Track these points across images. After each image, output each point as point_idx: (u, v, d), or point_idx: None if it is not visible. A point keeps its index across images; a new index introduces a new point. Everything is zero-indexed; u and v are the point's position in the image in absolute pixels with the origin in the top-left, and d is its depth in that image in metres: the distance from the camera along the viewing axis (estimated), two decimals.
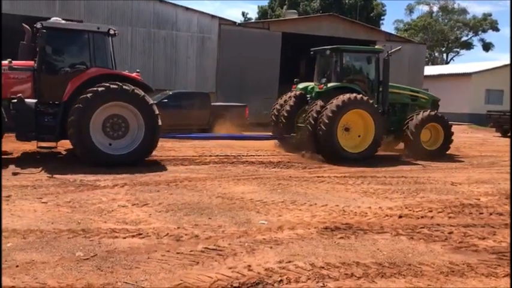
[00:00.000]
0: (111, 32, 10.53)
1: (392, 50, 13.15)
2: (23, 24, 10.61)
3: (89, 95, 9.47)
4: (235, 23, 24.98)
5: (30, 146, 10.89)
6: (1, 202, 5.64)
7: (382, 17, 53.74)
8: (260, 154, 12.79)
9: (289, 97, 13.80)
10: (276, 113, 13.95)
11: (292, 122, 13.39)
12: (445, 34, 63.58)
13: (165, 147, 13.37)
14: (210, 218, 6.11)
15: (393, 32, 56.25)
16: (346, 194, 8.02)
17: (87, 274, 4.09)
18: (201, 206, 6.76)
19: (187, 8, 23.16)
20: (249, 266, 4.43)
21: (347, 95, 11.71)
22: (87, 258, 4.45)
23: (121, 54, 21.37)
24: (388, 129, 13.04)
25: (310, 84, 13.47)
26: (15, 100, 9.66)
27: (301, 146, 12.41)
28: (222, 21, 23.76)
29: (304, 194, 7.80)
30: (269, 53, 23.95)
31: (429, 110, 13.33)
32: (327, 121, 11.55)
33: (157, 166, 10.19)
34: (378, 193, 8.13)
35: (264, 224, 5.94)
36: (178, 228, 5.60)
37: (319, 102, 12.06)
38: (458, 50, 67.57)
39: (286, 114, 13.45)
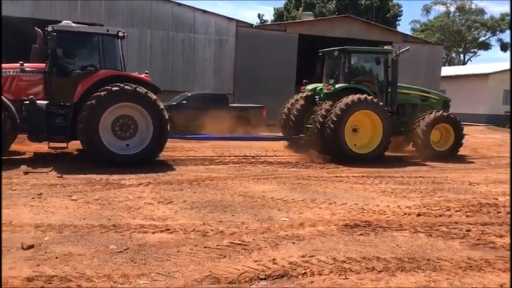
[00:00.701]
0: (120, 34, 10.70)
1: (400, 50, 13.18)
2: (35, 28, 10.85)
3: (100, 95, 9.65)
4: (252, 25, 25.28)
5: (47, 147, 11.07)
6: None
7: (398, 18, 53.53)
8: (278, 154, 12.98)
9: (298, 98, 13.89)
10: (286, 114, 14.04)
11: (301, 123, 13.47)
12: (462, 34, 63.06)
13: (185, 148, 13.68)
14: (233, 215, 6.34)
15: (410, 32, 56.07)
16: (365, 193, 8.18)
17: (122, 265, 4.34)
18: (224, 203, 6.99)
19: (205, 11, 23.53)
20: (274, 259, 4.63)
21: (354, 96, 11.77)
22: (121, 251, 4.71)
23: (140, 56, 21.84)
24: (397, 130, 13.01)
25: (319, 85, 13.50)
26: (27, 102, 9.89)
27: (309, 146, 12.49)
28: (239, 23, 24.07)
29: (323, 193, 7.99)
30: (286, 55, 24.18)
31: (440, 111, 13.23)
32: (334, 121, 11.62)
33: (179, 166, 10.45)
34: (396, 192, 8.27)
35: (285, 221, 6.14)
36: (203, 224, 5.83)
37: (327, 103, 12.15)
38: (475, 50, 67.05)
39: (295, 115, 13.54)
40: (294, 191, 8.13)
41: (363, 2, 48.23)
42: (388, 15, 49.89)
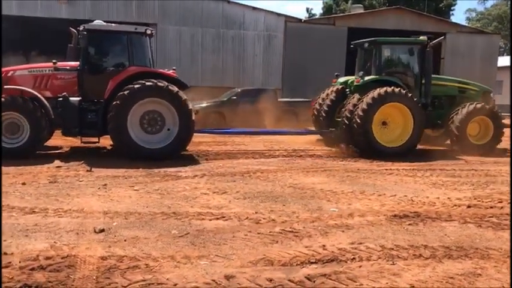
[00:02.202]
0: (148, 32, 11.03)
1: (433, 42, 12.86)
2: (70, 28, 11.34)
3: (125, 92, 9.99)
4: (300, 20, 25.43)
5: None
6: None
7: (452, 8, 51.77)
8: (327, 148, 13.09)
9: (330, 92, 13.76)
10: (317, 109, 13.96)
11: (333, 116, 13.30)
12: None
13: (236, 142, 14.12)
14: (284, 205, 6.63)
15: (464, 22, 54.10)
16: (415, 185, 8.24)
17: (183, 248, 4.75)
18: (275, 194, 7.30)
19: (254, 8, 23.93)
20: (324, 245, 4.89)
21: (382, 89, 11.52)
22: (182, 236, 5.12)
23: (192, 53, 22.54)
24: (434, 123, 12.68)
25: (350, 78, 13.33)
26: (61, 98, 10.40)
27: (340, 140, 12.38)
28: (288, 18, 24.31)
29: (372, 185, 8.12)
30: (335, 49, 24.15)
31: (480, 103, 12.62)
32: (361, 114, 11.47)
33: (231, 159, 10.86)
34: (446, 185, 8.27)
35: (335, 211, 6.37)
36: (256, 213, 6.16)
37: (356, 96, 12.03)
38: None
39: (326, 109, 13.44)
40: (343, 183, 8.32)
41: None
42: (441, 5, 48.38)
